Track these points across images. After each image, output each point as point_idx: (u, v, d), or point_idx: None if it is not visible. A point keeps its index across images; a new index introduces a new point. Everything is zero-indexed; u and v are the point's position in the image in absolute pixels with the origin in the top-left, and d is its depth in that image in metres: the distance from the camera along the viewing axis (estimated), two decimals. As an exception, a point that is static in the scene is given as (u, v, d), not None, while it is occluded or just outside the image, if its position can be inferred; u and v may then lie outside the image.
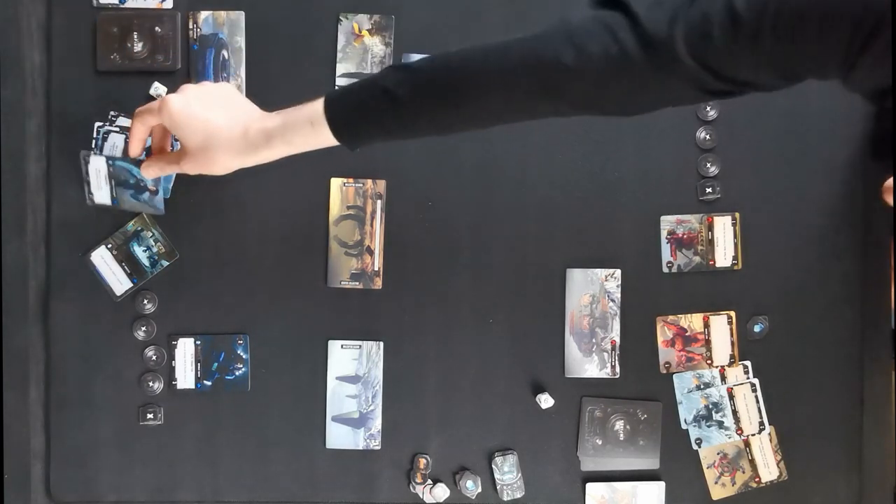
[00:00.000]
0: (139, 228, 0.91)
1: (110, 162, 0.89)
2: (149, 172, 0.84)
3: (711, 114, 0.92)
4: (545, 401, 0.92)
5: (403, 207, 0.93)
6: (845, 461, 0.95)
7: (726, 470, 0.94)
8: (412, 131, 0.74)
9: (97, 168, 0.89)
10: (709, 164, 0.93)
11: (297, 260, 0.92)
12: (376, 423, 0.93)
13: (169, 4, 0.91)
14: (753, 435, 0.93)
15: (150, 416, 0.92)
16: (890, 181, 0.80)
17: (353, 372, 0.93)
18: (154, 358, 0.92)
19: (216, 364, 0.92)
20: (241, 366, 0.93)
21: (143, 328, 0.92)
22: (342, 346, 0.93)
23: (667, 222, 0.93)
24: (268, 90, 0.92)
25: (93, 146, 0.90)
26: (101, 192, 0.90)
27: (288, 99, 0.91)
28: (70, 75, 0.91)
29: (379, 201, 0.92)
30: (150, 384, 0.92)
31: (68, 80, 0.91)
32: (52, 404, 0.92)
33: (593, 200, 0.93)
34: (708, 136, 0.93)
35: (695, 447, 0.94)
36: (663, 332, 0.94)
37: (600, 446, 0.94)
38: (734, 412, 0.93)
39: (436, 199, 0.93)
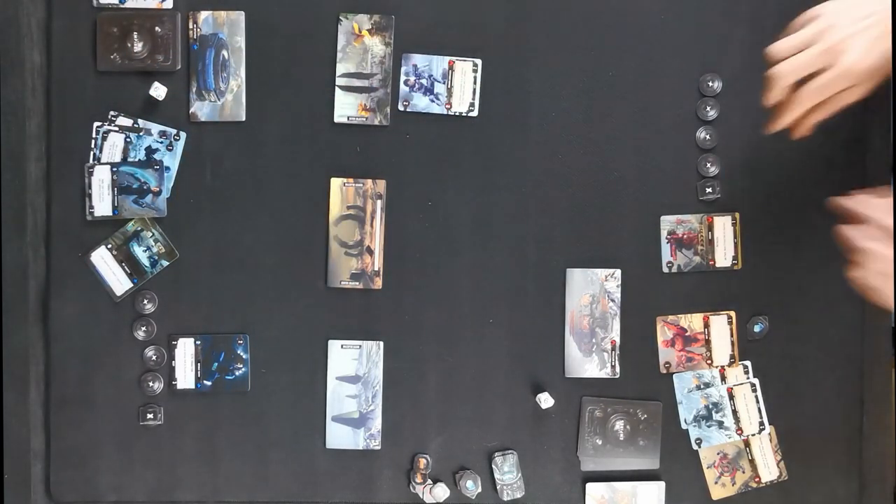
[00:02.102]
0: (139, 229, 0.91)
1: (114, 169, 0.89)
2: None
3: (711, 114, 0.92)
4: (545, 401, 0.92)
5: (403, 207, 0.93)
6: (845, 461, 0.95)
7: (726, 470, 0.94)
8: None
9: (101, 178, 0.90)
10: (709, 164, 0.93)
11: (297, 260, 0.93)
12: (376, 423, 0.93)
13: (169, 4, 0.91)
14: (753, 435, 0.93)
15: (150, 416, 0.92)
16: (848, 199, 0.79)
17: (353, 372, 0.93)
18: (154, 358, 0.92)
19: (216, 364, 0.92)
20: (241, 366, 0.93)
21: (143, 328, 0.92)
22: (342, 346, 0.93)
23: (667, 222, 0.93)
24: (268, 90, 0.92)
25: (92, 149, 0.91)
26: (102, 204, 0.90)
27: (288, 99, 0.92)
28: (70, 75, 0.91)
29: (379, 201, 0.92)
30: (150, 384, 0.92)
31: (68, 80, 0.91)
32: (52, 404, 0.92)
33: (593, 200, 0.93)
34: (708, 136, 0.93)
35: (695, 447, 0.94)
36: (663, 332, 0.94)
37: (600, 446, 0.94)
38: (734, 412, 0.93)
39: (436, 199, 0.93)
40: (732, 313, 0.93)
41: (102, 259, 0.92)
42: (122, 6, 0.91)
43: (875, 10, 0.74)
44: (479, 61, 0.92)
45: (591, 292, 0.93)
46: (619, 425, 0.93)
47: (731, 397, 0.93)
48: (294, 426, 0.93)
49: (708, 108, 0.92)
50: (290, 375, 0.93)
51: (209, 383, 0.93)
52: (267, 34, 0.92)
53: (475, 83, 0.92)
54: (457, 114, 0.92)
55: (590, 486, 0.94)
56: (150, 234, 0.91)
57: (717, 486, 0.94)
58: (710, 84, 0.92)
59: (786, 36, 0.76)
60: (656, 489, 0.94)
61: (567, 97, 0.93)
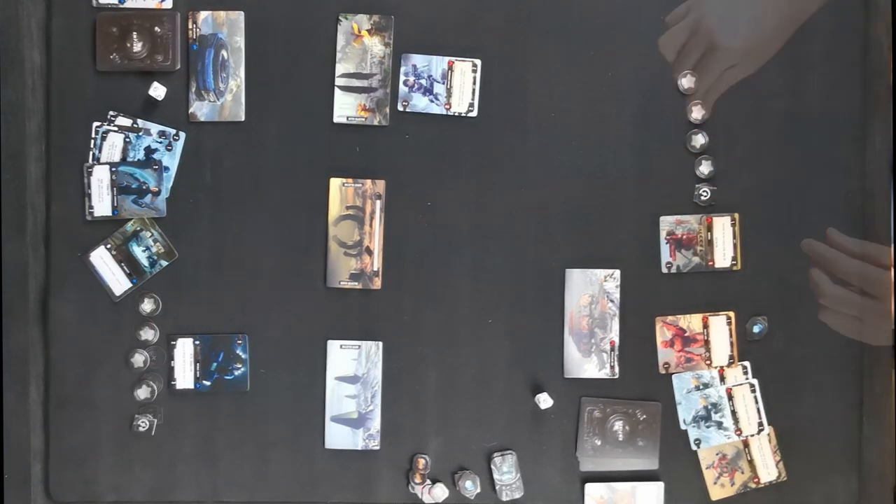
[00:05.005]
0: (138, 229, 0.92)
1: (113, 169, 0.89)
2: None
3: (709, 115, 0.92)
4: (544, 401, 0.92)
5: (403, 207, 0.93)
6: (845, 461, 0.95)
7: (725, 470, 0.94)
8: None
9: (100, 178, 0.90)
10: (707, 165, 0.92)
11: (296, 260, 0.93)
12: (375, 424, 0.93)
13: (168, 4, 0.91)
14: (752, 435, 0.93)
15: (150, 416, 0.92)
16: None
17: (352, 372, 0.93)
18: (154, 358, 0.93)
19: (215, 364, 0.93)
20: (241, 366, 0.93)
21: (143, 328, 0.92)
22: (341, 347, 0.93)
23: (666, 223, 0.93)
24: (267, 90, 0.92)
25: (91, 149, 0.91)
26: (101, 204, 0.90)
27: (287, 99, 0.92)
28: (70, 75, 0.91)
29: (378, 201, 0.92)
30: (150, 384, 0.92)
31: (68, 80, 0.91)
32: (52, 404, 0.93)
33: (592, 200, 0.93)
34: (706, 138, 0.92)
35: (694, 447, 0.94)
36: (662, 333, 0.94)
37: (599, 447, 0.94)
38: (733, 412, 0.93)
39: (436, 199, 0.93)
40: (731, 314, 0.93)
41: (102, 259, 0.92)
42: (121, 6, 0.91)
43: None
44: (478, 61, 0.92)
45: (591, 293, 0.93)
46: (619, 426, 0.93)
47: (731, 398, 0.93)
48: (293, 426, 0.93)
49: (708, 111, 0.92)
50: (290, 375, 0.93)
51: (208, 383, 0.93)
52: (267, 34, 0.92)
53: (474, 83, 0.92)
54: (456, 114, 0.92)
55: (589, 487, 0.94)
56: (150, 234, 0.92)
57: (716, 486, 0.94)
58: (710, 84, 0.92)
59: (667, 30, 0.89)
60: (655, 489, 0.94)
61: (566, 97, 0.93)
